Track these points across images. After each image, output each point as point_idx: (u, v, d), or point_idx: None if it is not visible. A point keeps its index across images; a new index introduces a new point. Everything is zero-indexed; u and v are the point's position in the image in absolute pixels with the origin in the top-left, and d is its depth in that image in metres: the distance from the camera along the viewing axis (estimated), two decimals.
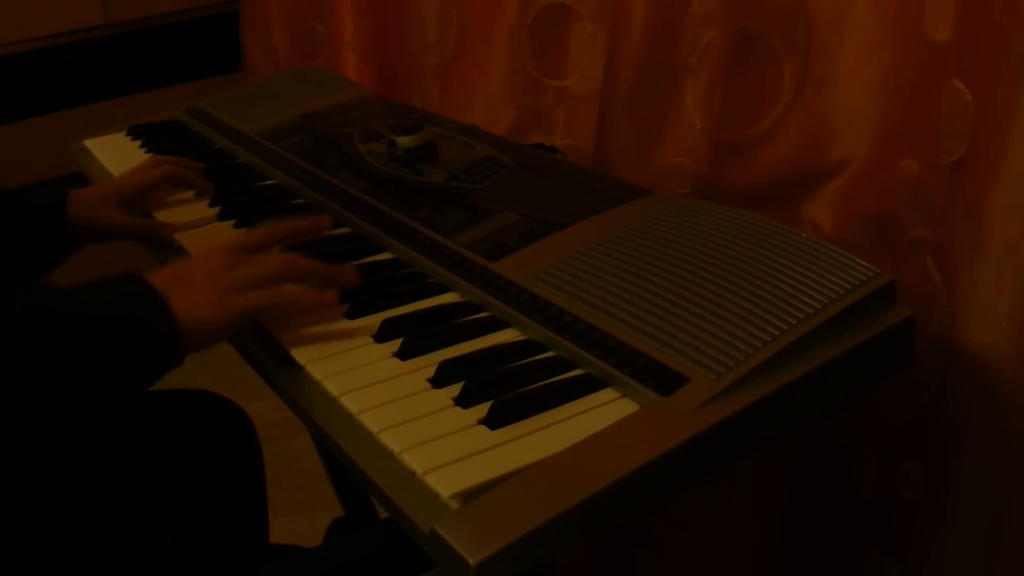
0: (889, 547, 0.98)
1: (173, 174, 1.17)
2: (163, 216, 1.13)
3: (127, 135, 1.43)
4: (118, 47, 2.49)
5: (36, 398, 0.72)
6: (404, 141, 1.09)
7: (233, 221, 1.09)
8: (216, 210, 1.12)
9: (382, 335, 0.83)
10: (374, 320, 0.84)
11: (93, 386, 0.75)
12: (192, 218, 1.12)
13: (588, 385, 0.74)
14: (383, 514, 0.68)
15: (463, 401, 0.73)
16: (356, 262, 0.96)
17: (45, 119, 2.42)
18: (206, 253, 0.86)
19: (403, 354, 0.80)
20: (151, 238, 1.10)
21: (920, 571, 0.94)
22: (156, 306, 0.77)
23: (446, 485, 0.64)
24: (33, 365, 0.73)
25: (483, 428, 0.70)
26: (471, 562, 0.59)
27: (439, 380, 0.76)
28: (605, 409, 0.71)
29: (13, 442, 0.72)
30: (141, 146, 1.37)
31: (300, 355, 0.81)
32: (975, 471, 0.87)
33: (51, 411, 0.73)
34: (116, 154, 1.34)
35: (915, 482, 0.93)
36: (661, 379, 0.71)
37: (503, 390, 0.73)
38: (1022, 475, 0.84)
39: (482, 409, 0.71)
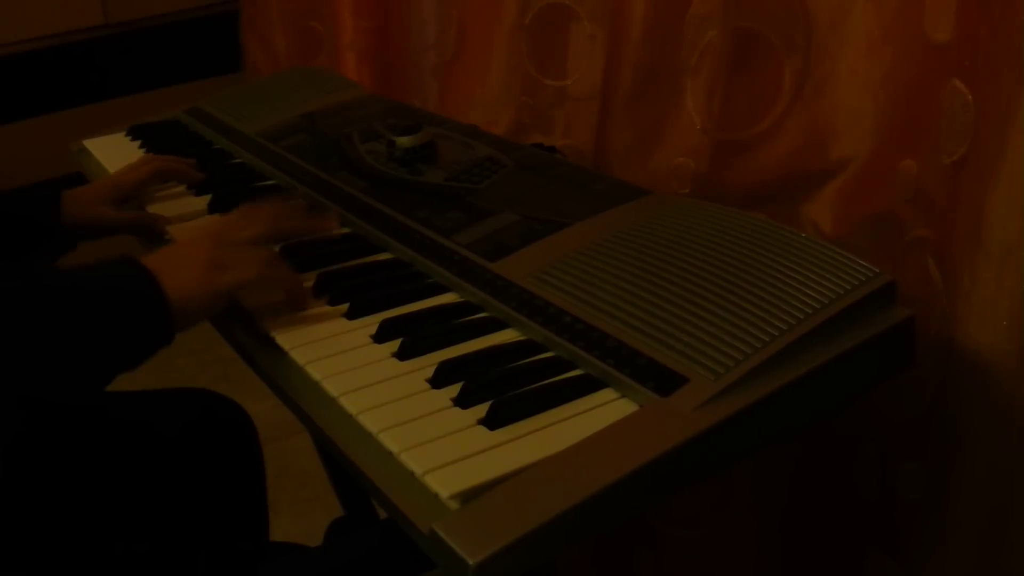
0: (889, 546, 0.98)
1: (164, 169, 1.19)
2: (157, 211, 1.14)
3: (126, 135, 1.42)
4: (118, 47, 2.49)
5: (30, 369, 0.74)
6: (403, 141, 1.09)
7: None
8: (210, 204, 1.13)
9: (381, 335, 0.82)
10: (373, 320, 0.84)
11: (87, 358, 0.77)
12: (186, 212, 1.13)
13: (587, 385, 0.74)
14: (383, 514, 0.68)
15: (462, 401, 0.73)
16: (355, 262, 0.96)
17: (45, 119, 2.42)
18: (191, 239, 0.88)
19: (402, 354, 0.80)
20: (145, 230, 1.12)
21: (920, 571, 0.94)
22: (148, 283, 0.80)
23: (445, 485, 0.64)
24: (28, 336, 0.74)
25: (482, 428, 0.70)
26: (470, 562, 0.58)
27: (438, 380, 0.76)
28: (604, 409, 0.71)
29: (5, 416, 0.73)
30: (140, 146, 1.37)
31: (299, 355, 0.81)
32: (975, 470, 0.87)
33: (43, 383, 0.75)
34: (115, 154, 1.34)
35: (916, 482, 0.93)
36: (660, 379, 0.71)
37: (502, 390, 0.73)
38: (1022, 475, 0.84)
39: (481, 409, 0.71)
